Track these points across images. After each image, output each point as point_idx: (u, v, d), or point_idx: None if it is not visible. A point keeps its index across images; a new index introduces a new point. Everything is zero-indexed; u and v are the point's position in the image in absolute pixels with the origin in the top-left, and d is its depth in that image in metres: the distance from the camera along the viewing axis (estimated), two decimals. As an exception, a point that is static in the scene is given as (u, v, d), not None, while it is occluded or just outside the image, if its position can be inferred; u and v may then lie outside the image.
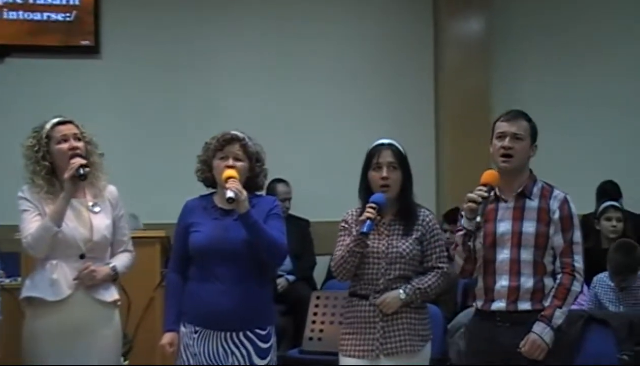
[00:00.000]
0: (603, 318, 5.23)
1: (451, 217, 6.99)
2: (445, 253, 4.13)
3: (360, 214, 3.98)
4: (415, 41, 7.97)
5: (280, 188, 7.14)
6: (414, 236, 4.00)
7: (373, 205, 3.88)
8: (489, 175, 3.85)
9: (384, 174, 3.98)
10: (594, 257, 5.03)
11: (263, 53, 7.78)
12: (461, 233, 3.87)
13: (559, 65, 8.06)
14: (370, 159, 4.03)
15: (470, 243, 3.86)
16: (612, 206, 6.32)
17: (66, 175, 3.91)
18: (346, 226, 4.06)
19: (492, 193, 3.85)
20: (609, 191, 7.25)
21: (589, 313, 5.29)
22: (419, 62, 7.96)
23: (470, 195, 3.78)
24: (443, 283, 4.07)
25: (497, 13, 8.06)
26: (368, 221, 3.85)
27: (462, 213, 3.90)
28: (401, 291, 3.93)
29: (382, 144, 4.06)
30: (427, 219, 4.06)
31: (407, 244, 3.98)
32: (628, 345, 5.10)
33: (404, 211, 4.03)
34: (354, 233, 3.95)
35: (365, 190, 4.04)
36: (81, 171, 3.91)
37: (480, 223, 3.79)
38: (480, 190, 3.78)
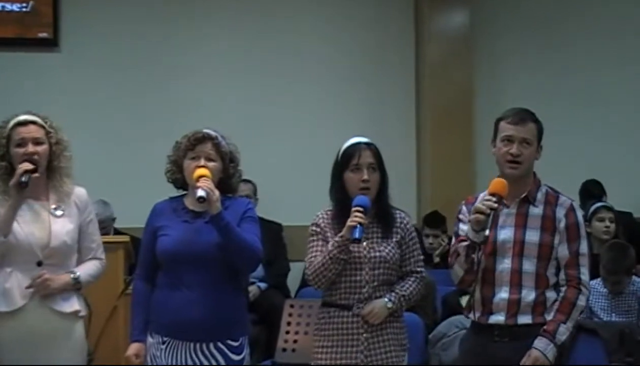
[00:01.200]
0: (593, 327, 5.26)
1: (432, 221, 7.03)
2: (422, 257, 4.16)
3: (334, 216, 3.98)
4: (396, 35, 8.00)
5: (246, 186, 7.10)
6: (394, 240, 4.00)
7: (361, 209, 3.85)
8: (498, 184, 3.75)
9: (365, 176, 3.97)
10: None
11: (234, 48, 7.78)
12: (465, 243, 3.79)
13: (545, 60, 8.11)
14: (349, 160, 4.00)
15: (474, 256, 3.78)
16: (604, 206, 6.36)
17: (11, 182, 3.86)
18: (318, 230, 4.03)
19: (501, 204, 3.75)
20: (593, 191, 7.28)
21: (579, 322, 5.32)
22: (400, 57, 7.99)
23: (479, 206, 3.69)
24: (422, 289, 4.09)
25: (481, 6, 8.11)
26: (359, 226, 3.81)
27: (465, 221, 3.84)
28: (387, 299, 3.93)
29: (360, 144, 4.04)
30: (405, 221, 4.07)
31: (389, 248, 3.98)
32: (619, 356, 5.12)
33: (382, 213, 4.02)
34: (336, 238, 3.89)
35: (340, 191, 4.02)
36: (22, 179, 3.83)
37: (488, 236, 3.71)
38: (489, 200, 3.69)
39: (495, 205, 3.68)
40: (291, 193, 7.48)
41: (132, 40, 7.60)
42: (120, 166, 7.43)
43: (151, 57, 7.62)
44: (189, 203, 3.93)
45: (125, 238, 5.36)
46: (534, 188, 3.85)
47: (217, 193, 3.76)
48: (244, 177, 6.84)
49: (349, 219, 3.83)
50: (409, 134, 7.91)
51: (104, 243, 4.27)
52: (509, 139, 3.81)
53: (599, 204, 6.41)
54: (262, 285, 6.93)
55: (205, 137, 3.89)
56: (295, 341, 5.58)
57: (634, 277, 5.56)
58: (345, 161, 4.01)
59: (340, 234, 3.88)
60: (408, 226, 4.07)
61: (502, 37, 8.16)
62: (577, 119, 8.01)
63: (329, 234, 3.98)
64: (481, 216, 3.67)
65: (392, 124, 7.72)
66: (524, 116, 3.86)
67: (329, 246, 3.91)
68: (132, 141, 7.45)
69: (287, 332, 5.64)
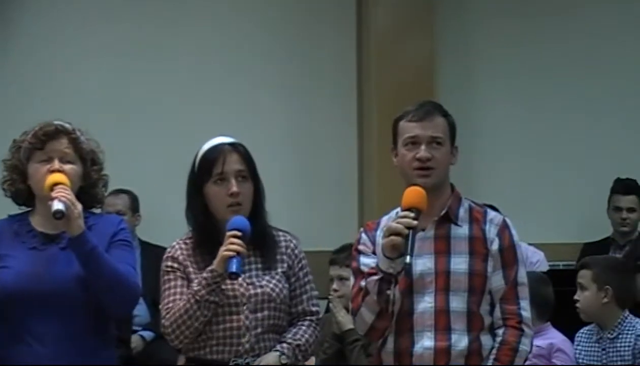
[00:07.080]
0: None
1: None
2: (316, 292, 4.22)
3: (195, 246, 4.04)
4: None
5: (121, 198, 7.12)
6: (279, 271, 4.07)
7: (238, 233, 3.88)
8: (414, 193, 3.85)
9: (234, 188, 4.00)
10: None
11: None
12: (375, 277, 3.85)
13: (525, 29, 8.25)
14: (210, 168, 4.04)
15: (389, 292, 3.84)
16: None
17: None
18: (176, 265, 4.07)
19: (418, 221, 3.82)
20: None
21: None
22: (336, 26, 8.07)
23: (393, 225, 3.77)
24: (319, 335, 4.18)
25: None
26: (237, 257, 3.84)
27: (369, 253, 3.94)
28: (279, 352, 3.97)
29: (224, 145, 4.09)
30: (292, 245, 4.15)
31: (274, 282, 4.03)
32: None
33: (261, 236, 4.07)
34: (204, 274, 3.90)
35: (202, 212, 4.06)
36: None
37: (410, 263, 3.74)
38: (405, 216, 3.77)
39: (415, 222, 3.75)
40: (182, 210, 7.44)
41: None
42: None
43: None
44: (37, 222, 3.92)
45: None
46: (454, 202, 3.98)
47: (79, 206, 3.75)
48: (117, 186, 6.90)
49: (222, 248, 3.87)
50: (349, 130, 7.91)
51: None
52: (413, 141, 3.94)
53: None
54: (147, 335, 6.97)
55: (59, 131, 3.88)
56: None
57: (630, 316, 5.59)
58: (205, 171, 4.07)
59: (209, 269, 3.91)
60: (296, 252, 4.14)
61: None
62: (569, 99, 8.14)
63: (190, 269, 4.03)
64: (397, 239, 3.74)
65: (324, 118, 7.76)
66: (429, 108, 4.01)
67: (194, 286, 3.93)
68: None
69: (182, 399, 5.61)
